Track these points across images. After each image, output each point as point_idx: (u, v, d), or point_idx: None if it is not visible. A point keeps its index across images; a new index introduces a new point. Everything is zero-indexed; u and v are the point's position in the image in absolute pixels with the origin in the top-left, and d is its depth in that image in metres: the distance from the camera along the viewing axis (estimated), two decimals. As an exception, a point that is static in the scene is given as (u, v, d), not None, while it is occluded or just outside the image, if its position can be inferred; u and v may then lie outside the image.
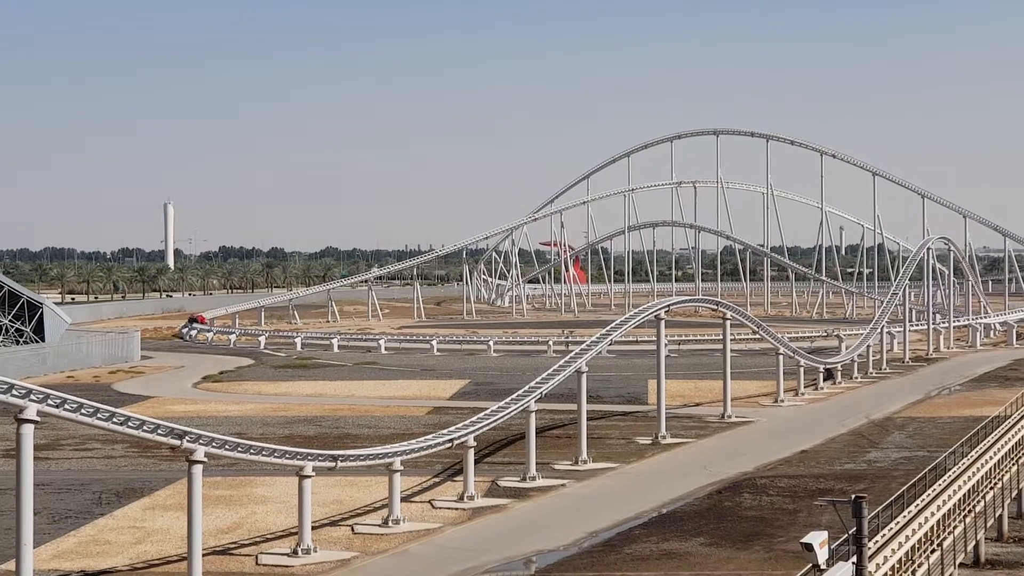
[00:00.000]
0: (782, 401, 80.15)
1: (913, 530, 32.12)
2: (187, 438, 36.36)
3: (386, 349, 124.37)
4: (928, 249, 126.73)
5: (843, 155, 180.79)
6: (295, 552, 40.29)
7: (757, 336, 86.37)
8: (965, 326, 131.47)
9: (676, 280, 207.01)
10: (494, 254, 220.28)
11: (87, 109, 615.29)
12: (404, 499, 46.91)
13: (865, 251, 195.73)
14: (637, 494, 50.50)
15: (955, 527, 36.15)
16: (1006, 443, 44.97)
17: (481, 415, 52.48)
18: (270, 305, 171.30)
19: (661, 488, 51.60)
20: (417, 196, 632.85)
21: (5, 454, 58.60)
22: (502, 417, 53.13)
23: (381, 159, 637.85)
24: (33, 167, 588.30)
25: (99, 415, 34.43)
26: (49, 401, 33.03)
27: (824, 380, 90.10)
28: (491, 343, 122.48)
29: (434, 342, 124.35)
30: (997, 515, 41.73)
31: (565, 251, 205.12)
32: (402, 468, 45.61)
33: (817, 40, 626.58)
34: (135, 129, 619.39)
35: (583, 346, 61.90)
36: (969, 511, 38.01)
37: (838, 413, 75.29)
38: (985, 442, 43.32)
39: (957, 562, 35.36)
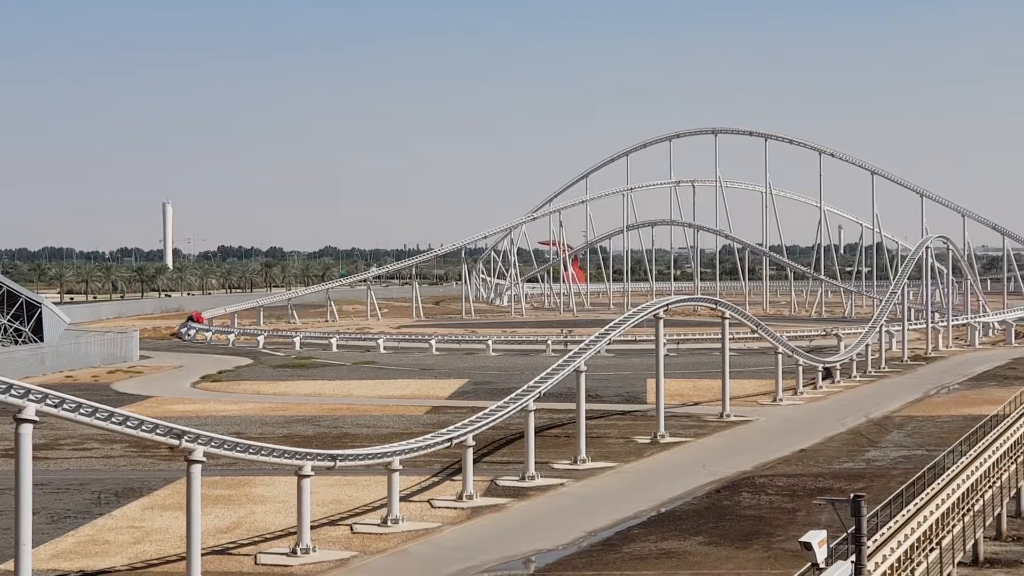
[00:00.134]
0: (781, 400, 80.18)
1: (912, 529, 32.13)
2: (186, 438, 36.37)
3: (385, 348, 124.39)
4: (927, 248, 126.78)
5: (842, 154, 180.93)
6: (294, 552, 40.29)
7: (756, 335, 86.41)
8: (964, 325, 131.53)
9: (675, 279, 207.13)
10: (493, 253, 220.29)
11: (86, 109, 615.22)
12: (403, 498, 46.91)
13: (864, 250, 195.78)
14: (636, 493, 50.52)
15: (954, 526, 36.16)
16: (1005, 442, 44.98)
17: (480, 414, 52.49)
18: (269, 305, 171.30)
19: (660, 487, 51.62)
20: (416, 195, 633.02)
21: (4, 454, 58.57)
22: (501, 416, 53.15)
23: (380, 159, 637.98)
24: (31, 167, 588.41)
25: (98, 415, 34.44)
26: (48, 401, 33.04)
27: (823, 379, 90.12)
28: (490, 342, 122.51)
29: (433, 341, 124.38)
30: (996, 514, 41.76)
31: (564, 250, 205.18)
32: (401, 467, 45.62)
33: (815, 40, 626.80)
34: (134, 129, 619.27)
35: (582, 345, 61.90)
36: (968, 510, 38.02)
37: (837, 412, 75.32)
38: (984, 441, 43.32)
39: (956, 561, 35.38)
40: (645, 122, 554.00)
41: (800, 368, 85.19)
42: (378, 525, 44.59)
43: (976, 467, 40.18)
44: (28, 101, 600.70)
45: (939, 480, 36.62)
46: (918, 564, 32.13)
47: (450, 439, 49.26)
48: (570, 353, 60.99)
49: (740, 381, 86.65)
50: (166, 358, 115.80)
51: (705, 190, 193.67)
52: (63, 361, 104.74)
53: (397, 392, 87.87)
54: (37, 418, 32.63)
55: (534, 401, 54.60)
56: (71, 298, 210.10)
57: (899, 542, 31.01)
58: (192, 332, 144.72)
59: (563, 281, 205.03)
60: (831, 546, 26.35)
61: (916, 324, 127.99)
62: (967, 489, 38.41)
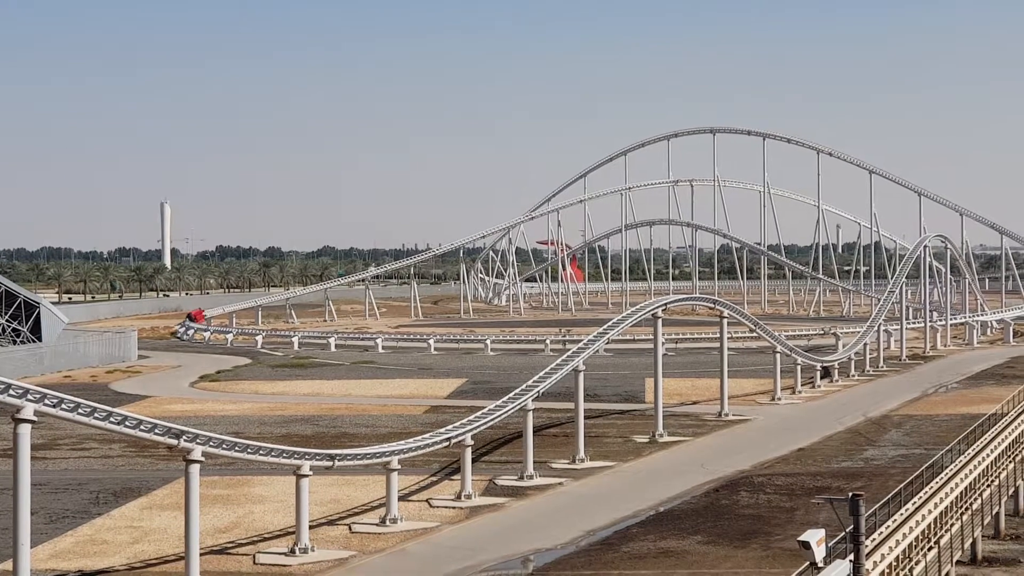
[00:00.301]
0: (779, 399, 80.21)
1: (910, 528, 32.13)
2: (184, 437, 36.37)
3: (383, 348, 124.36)
4: (925, 247, 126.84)
5: (840, 153, 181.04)
6: (293, 551, 40.28)
7: (754, 334, 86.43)
8: (962, 324, 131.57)
9: (673, 278, 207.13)
10: (491, 253, 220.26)
11: (84, 109, 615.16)
12: (402, 498, 46.92)
13: (862, 249, 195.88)
14: (634, 492, 50.52)
15: (952, 525, 36.16)
16: (1003, 440, 45.00)
17: (478, 414, 52.50)
18: (267, 304, 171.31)
19: (658, 486, 51.63)
20: (414, 195, 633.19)
21: (2, 454, 58.48)
22: (499, 416, 53.15)
23: (378, 158, 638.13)
24: (30, 167, 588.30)
25: (96, 415, 34.42)
26: (46, 401, 33.01)
27: (821, 378, 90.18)
28: (488, 342, 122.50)
29: (431, 341, 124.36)
30: (994, 512, 41.78)
31: (562, 250, 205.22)
32: (399, 467, 45.61)
33: (814, 39, 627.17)
34: (132, 129, 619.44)
35: (580, 345, 61.92)
36: (966, 509, 38.02)
37: (835, 411, 75.34)
38: (982, 440, 43.32)
39: (954, 560, 35.41)
40: (643, 121, 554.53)
41: (798, 367, 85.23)
42: (377, 525, 44.58)
43: (974, 466, 40.18)
44: (27, 101, 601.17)
45: (937, 479, 36.61)
46: (916, 563, 32.13)
47: (448, 439, 49.27)
48: (568, 352, 60.98)
49: (738, 380, 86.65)
50: (164, 358, 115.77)
51: (703, 189, 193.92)
52: (61, 361, 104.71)
53: (395, 392, 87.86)
54: (35, 418, 32.61)
55: (532, 400, 54.60)
56: (69, 298, 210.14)
57: (897, 541, 31.01)
58: (190, 332, 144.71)
59: (561, 281, 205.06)
60: (829, 545, 26.35)
61: (914, 323, 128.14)
62: (965, 488, 38.41)
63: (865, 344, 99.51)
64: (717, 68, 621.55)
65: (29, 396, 32.60)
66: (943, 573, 33.85)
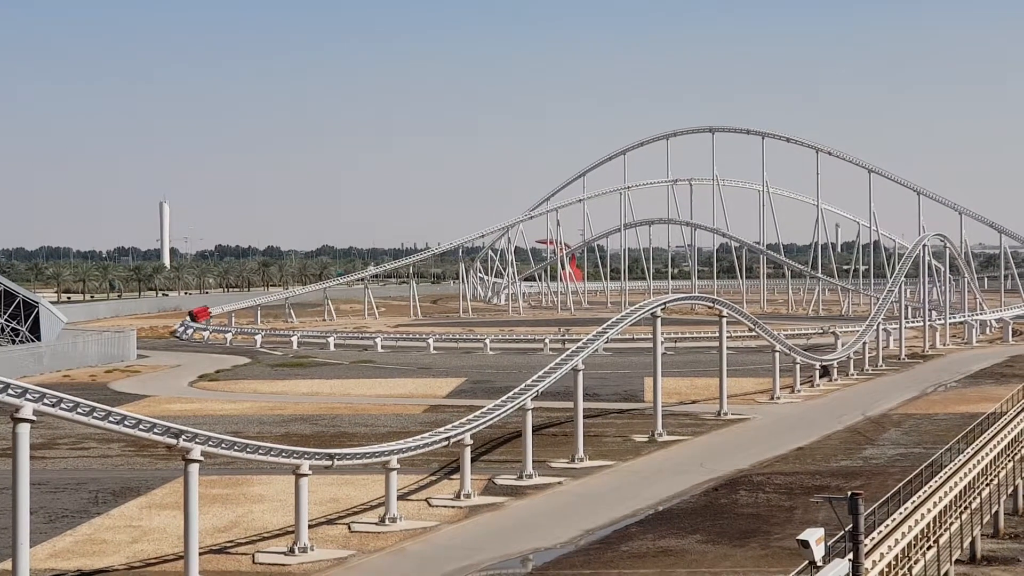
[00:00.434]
0: (778, 398, 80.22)
1: (909, 527, 32.14)
2: (183, 437, 36.38)
3: (382, 347, 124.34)
4: (924, 246, 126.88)
5: (839, 152, 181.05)
6: (292, 551, 40.29)
7: (753, 334, 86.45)
8: (961, 323, 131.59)
9: (672, 278, 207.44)
10: (490, 252, 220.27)
11: (83, 108, 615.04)
12: (401, 497, 46.93)
13: (861, 248, 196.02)
14: (633, 492, 50.53)
15: (951, 524, 36.18)
16: (1002, 439, 45.02)
17: (477, 413, 52.50)
18: (266, 304, 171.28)
19: (657, 486, 51.64)
20: (413, 195, 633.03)
21: (1, 453, 58.42)
22: (498, 415, 53.16)
23: (377, 158, 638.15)
24: (28, 166, 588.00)
25: (95, 414, 34.43)
26: (45, 400, 33.02)
27: (820, 377, 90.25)
28: (487, 341, 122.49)
29: (430, 340, 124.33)
30: (993, 511, 41.78)
31: (561, 249, 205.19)
32: (399, 466, 45.62)
33: (812, 38, 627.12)
34: (131, 129, 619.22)
35: (579, 344, 61.93)
36: (965, 508, 38.04)
37: (834, 410, 75.35)
38: (981, 439, 43.35)
39: (953, 559, 35.42)
40: (642, 121, 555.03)
41: (797, 366, 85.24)
42: (376, 524, 44.59)
43: (973, 465, 40.21)
44: (25, 101, 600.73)
45: (936, 478, 36.63)
46: (915, 562, 32.15)
47: (448, 438, 49.29)
48: (568, 352, 60.98)
49: (737, 379, 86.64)
50: (163, 357, 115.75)
51: (702, 188, 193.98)
52: (60, 360, 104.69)
53: (395, 391, 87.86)
54: (34, 417, 32.62)
55: (532, 400, 54.61)
56: (68, 297, 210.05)
57: (896, 540, 31.02)
58: (189, 331, 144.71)
59: (560, 280, 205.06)
60: (828, 544, 26.36)
61: (913, 322, 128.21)
62: (964, 487, 38.44)
63: (864, 343, 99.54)
64: (716, 67, 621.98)
65: (28, 395, 32.60)
66: (942, 572, 33.87)
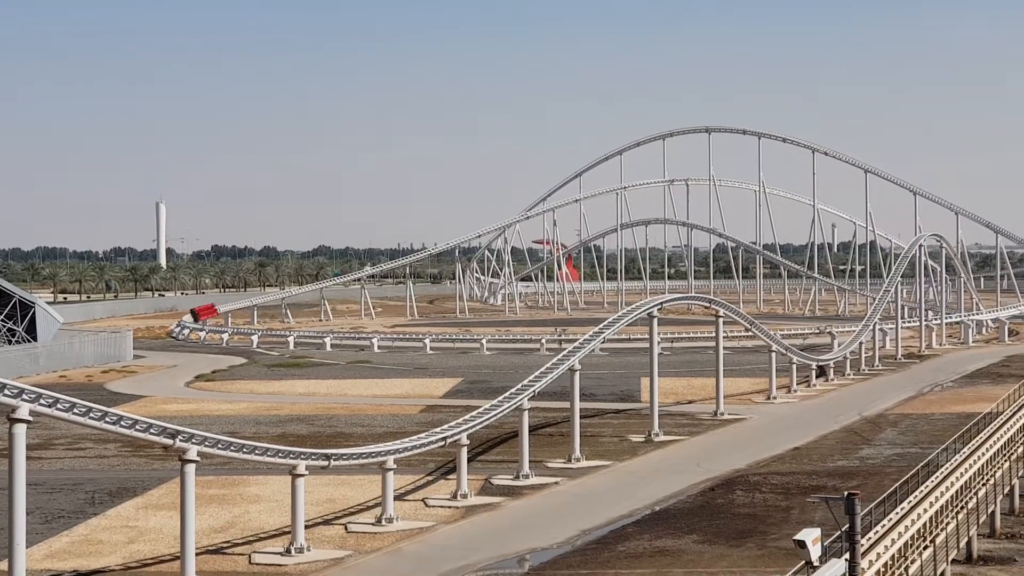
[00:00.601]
0: (775, 398, 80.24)
1: (906, 527, 32.17)
2: (180, 437, 36.33)
3: (379, 348, 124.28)
4: (920, 246, 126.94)
5: (835, 152, 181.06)
6: (288, 551, 40.26)
7: (750, 334, 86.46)
8: (957, 323, 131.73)
9: (669, 278, 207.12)
10: (487, 252, 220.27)
11: (79, 109, 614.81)
12: (397, 498, 46.90)
13: (857, 248, 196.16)
14: (630, 492, 50.53)
15: (948, 523, 36.23)
16: (998, 439, 45.07)
17: (474, 413, 52.47)
18: (263, 304, 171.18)
19: (654, 486, 51.64)
20: (410, 195, 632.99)
21: (-3, 454, 58.49)
22: (495, 415, 53.12)
23: (374, 158, 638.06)
24: (25, 166, 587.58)
25: (91, 414, 34.39)
26: (41, 401, 32.97)
27: (817, 377, 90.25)
28: (484, 341, 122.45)
29: (427, 340, 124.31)
30: (990, 511, 41.84)
31: (558, 249, 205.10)
32: (395, 467, 45.58)
33: (809, 38, 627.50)
34: (127, 129, 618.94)
35: (576, 344, 61.87)
36: (962, 507, 38.09)
37: (831, 410, 75.38)
38: (977, 438, 43.40)
39: (950, 558, 35.44)
40: (639, 121, 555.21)
41: (794, 366, 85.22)
42: (372, 524, 44.57)
43: (970, 465, 40.25)
44: (22, 101, 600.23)
45: (933, 478, 36.66)
46: (912, 562, 32.19)
47: (444, 438, 49.24)
48: (564, 352, 60.96)
49: (734, 379, 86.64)
50: (160, 358, 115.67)
51: (699, 189, 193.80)
52: (57, 361, 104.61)
53: (391, 391, 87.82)
54: (31, 418, 32.57)
55: (528, 400, 54.58)
56: (65, 298, 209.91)
57: (893, 540, 31.05)
58: (186, 332, 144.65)
59: (557, 280, 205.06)
60: (825, 544, 26.37)
61: (910, 322, 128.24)
62: (961, 487, 38.48)
63: (860, 343, 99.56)
64: (713, 67, 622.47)
65: (24, 396, 32.56)
66: (939, 572, 33.89)
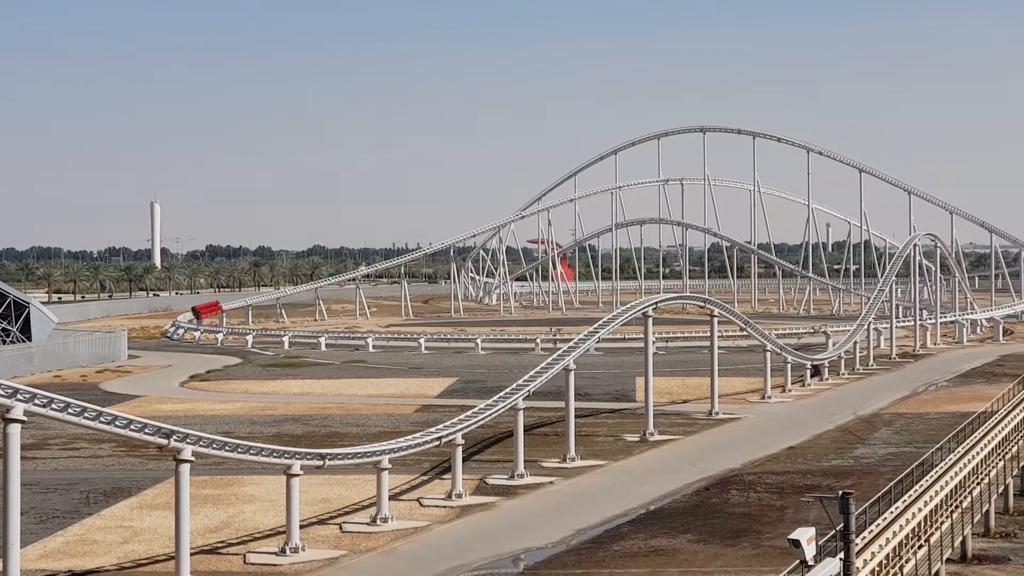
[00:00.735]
0: (769, 398, 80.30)
1: (900, 526, 32.22)
2: (174, 437, 36.29)
3: (374, 347, 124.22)
4: (915, 245, 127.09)
5: (829, 152, 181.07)
6: (283, 551, 40.23)
7: (744, 333, 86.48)
8: (952, 322, 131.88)
9: (663, 277, 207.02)
10: (481, 252, 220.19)
11: (75, 109, 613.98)
12: (392, 497, 46.88)
13: (852, 248, 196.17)
14: (625, 491, 50.54)
15: (942, 522, 36.27)
16: (993, 439, 45.16)
17: (469, 413, 52.46)
18: (257, 304, 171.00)
19: (649, 485, 51.65)
20: (405, 195, 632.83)
21: (-8, 454, 58.38)
22: (490, 415, 53.12)
23: (369, 158, 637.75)
24: (20, 166, 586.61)
25: (86, 414, 34.35)
26: (36, 401, 32.94)
27: (811, 376, 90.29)
28: (479, 341, 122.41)
29: (422, 340, 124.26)
30: (984, 510, 41.90)
31: (552, 249, 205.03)
32: (390, 466, 45.57)
33: (804, 38, 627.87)
34: (122, 129, 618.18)
35: (571, 344, 61.89)
36: (956, 506, 38.14)
37: (825, 409, 75.45)
38: (972, 438, 43.48)
39: (944, 557, 35.48)
40: (633, 120, 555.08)
41: (789, 366, 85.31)
42: (367, 524, 44.55)
43: (964, 464, 40.32)
44: (19, 101, 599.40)
45: (927, 477, 36.73)
46: (907, 561, 32.22)
47: (439, 438, 49.25)
48: (559, 351, 61.00)
49: (729, 379, 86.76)
50: (154, 358, 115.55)
51: (693, 188, 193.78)
52: (51, 361, 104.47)
53: (386, 391, 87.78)
54: (25, 418, 32.54)
55: (523, 399, 54.58)
56: (59, 298, 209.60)
57: (888, 539, 31.09)
58: (180, 332, 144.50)
59: (552, 279, 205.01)
60: (820, 543, 26.39)
61: (904, 321, 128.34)
62: (955, 486, 38.53)
63: (855, 342, 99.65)
64: (707, 67, 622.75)
65: (19, 396, 32.53)
66: (933, 571, 33.93)
